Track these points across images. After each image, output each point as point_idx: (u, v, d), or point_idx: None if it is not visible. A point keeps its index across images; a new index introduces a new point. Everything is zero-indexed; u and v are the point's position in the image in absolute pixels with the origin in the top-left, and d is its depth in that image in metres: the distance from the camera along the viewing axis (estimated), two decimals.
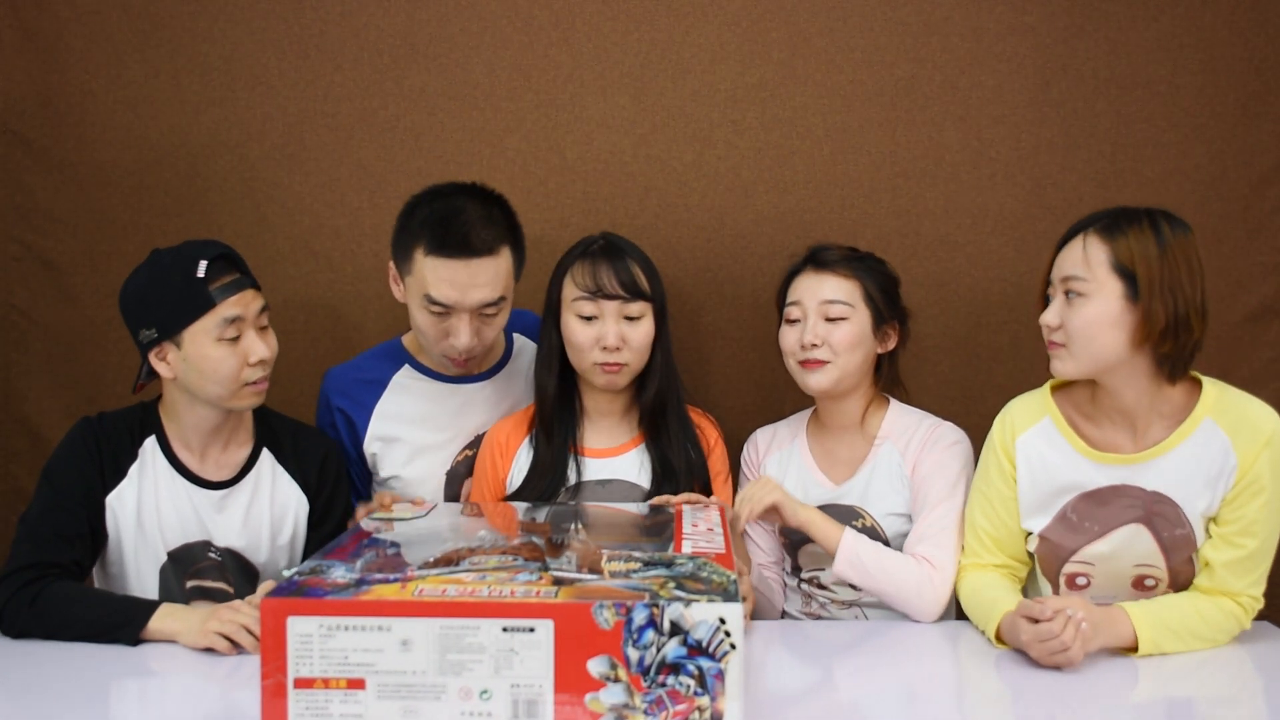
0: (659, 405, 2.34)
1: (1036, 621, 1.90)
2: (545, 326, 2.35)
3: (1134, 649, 1.97)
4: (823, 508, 2.27)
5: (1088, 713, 1.78)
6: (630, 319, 2.27)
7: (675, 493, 2.25)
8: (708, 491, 2.35)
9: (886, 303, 2.31)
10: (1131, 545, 2.08)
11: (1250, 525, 2.02)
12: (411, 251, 2.26)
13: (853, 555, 2.17)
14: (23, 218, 2.82)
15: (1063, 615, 1.87)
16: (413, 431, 2.44)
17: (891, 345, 2.35)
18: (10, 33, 2.79)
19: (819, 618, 2.33)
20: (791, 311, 2.33)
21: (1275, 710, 1.85)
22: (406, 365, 2.49)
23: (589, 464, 2.33)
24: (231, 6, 2.79)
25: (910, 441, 2.30)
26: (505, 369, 2.54)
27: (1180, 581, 2.09)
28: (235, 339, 2.12)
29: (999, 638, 2.01)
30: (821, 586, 2.33)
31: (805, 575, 2.35)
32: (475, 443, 2.45)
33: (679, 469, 2.31)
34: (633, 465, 2.34)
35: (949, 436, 2.30)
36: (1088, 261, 2.02)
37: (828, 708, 1.82)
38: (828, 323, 2.27)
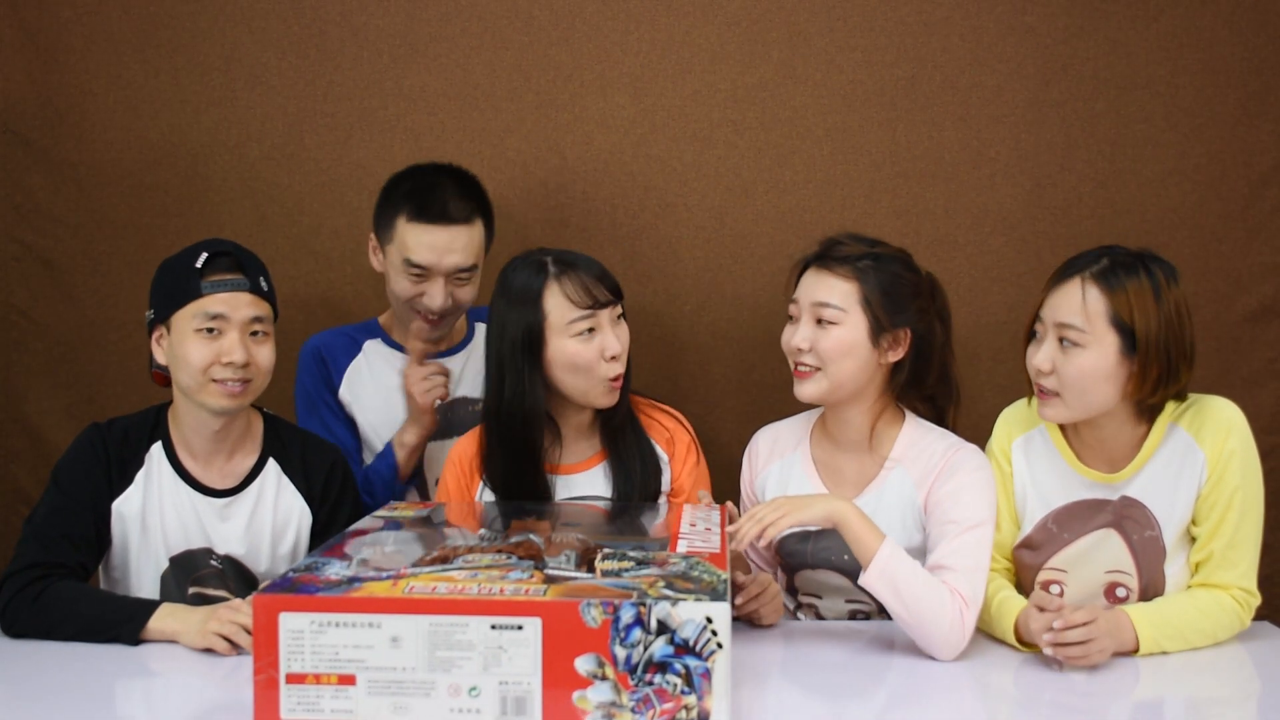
0: (626, 412, 2.27)
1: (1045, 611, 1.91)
2: (512, 369, 2.16)
3: (1135, 650, 1.96)
4: (822, 533, 2.14)
5: (1088, 711, 1.78)
6: (617, 319, 2.21)
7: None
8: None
9: (888, 309, 2.11)
10: (1102, 549, 2.09)
11: (1226, 513, 2.03)
12: (394, 220, 2.46)
13: (888, 569, 1.94)
14: (23, 218, 2.84)
15: (1076, 609, 1.88)
16: (376, 399, 2.58)
17: (898, 355, 2.15)
18: (10, 33, 2.80)
19: None
20: (791, 309, 2.19)
21: (1275, 710, 1.85)
22: (379, 338, 2.64)
23: (559, 481, 2.25)
24: (231, 6, 2.80)
25: (927, 469, 2.13)
26: (464, 349, 2.65)
27: (1150, 596, 2.09)
28: (215, 335, 2.13)
29: (1018, 637, 2.00)
30: (820, 618, 2.25)
31: (802, 599, 2.27)
32: (436, 410, 2.54)
33: (635, 481, 2.23)
34: (599, 479, 2.26)
35: (971, 461, 2.11)
36: (1086, 312, 2.00)
37: (831, 709, 1.82)
38: (818, 326, 2.12)
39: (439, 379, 2.47)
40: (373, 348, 2.61)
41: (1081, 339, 2.00)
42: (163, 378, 2.26)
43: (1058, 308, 2.03)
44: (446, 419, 2.54)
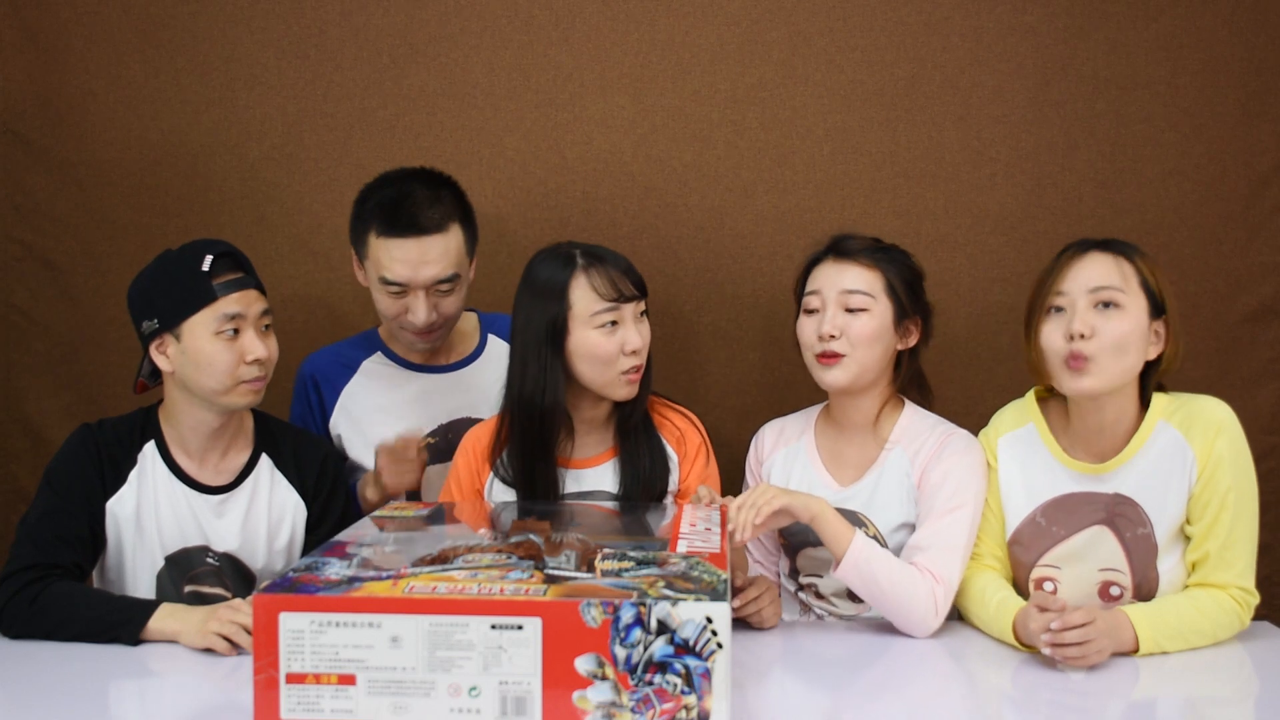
0: (642, 409, 2.26)
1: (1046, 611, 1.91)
2: (535, 360, 2.17)
3: (1135, 650, 1.96)
4: None
5: (1087, 711, 1.79)
6: (640, 315, 2.20)
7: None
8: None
9: (909, 296, 2.22)
10: (1095, 547, 2.10)
11: (1219, 513, 2.04)
12: (365, 236, 2.38)
13: (860, 560, 2.04)
14: (23, 218, 2.84)
15: (1075, 610, 1.87)
16: (376, 415, 2.51)
17: (912, 342, 2.26)
18: (10, 33, 2.80)
19: None
20: (810, 301, 2.23)
21: (1275, 710, 1.85)
22: (378, 352, 2.57)
23: (569, 475, 2.26)
24: (231, 6, 2.81)
25: (921, 448, 2.20)
26: (474, 364, 2.58)
27: (1144, 593, 2.09)
28: (234, 336, 2.13)
29: (1017, 638, 2.00)
30: (820, 596, 2.28)
31: (803, 580, 2.30)
32: (438, 431, 2.50)
33: (643, 478, 2.24)
34: (608, 474, 2.26)
35: (959, 445, 2.19)
36: (1123, 273, 2.04)
37: (831, 709, 1.82)
38: (847, 314, 2.17)
39: (413, 466, 2.35)
40: (371, 366, 2.55)
41: (1121, 299, 2.03)
42: (145, 386, 2.27)
43: (1088, 276, 2.05)
44: (449, 441, 2.46)
